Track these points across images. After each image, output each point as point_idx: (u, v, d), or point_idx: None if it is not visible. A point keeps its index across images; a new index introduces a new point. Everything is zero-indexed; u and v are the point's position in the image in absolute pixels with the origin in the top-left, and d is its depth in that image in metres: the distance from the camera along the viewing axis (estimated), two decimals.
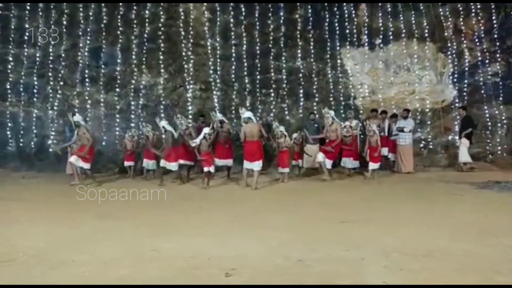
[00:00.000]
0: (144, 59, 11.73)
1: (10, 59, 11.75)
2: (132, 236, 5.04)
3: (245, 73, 11.75)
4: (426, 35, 11.80)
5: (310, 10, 11.90)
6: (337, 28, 11.95)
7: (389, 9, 11.92)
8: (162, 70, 11.74)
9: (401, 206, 6.62)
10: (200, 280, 3.59)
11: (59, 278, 3.69)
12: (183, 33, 11.74)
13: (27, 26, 11.81)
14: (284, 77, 11.79)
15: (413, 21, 11.80)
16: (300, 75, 11.80)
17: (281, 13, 11.89)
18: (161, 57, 11.72)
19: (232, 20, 11.83)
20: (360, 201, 7.15)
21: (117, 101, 11.65)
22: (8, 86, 11.67)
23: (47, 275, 3.78)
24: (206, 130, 8.67)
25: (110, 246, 4.64)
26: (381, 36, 11.89)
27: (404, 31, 11.85)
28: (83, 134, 9.09)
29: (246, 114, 8.81)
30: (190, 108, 11.61)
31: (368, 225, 5.41)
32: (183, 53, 11.71)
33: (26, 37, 11.77)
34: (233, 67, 11.75)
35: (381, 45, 11.92)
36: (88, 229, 5.40)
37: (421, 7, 11.81)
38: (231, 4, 11.80)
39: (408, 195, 7.58)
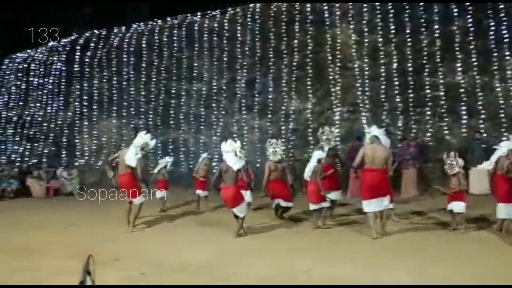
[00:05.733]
0: (293, 86, 12.29)
1: (183, 93, 13.73)
2: (283, 256, 5.23)
3: (396, 92, 11.20)
4: None
5: (470, 20, 10.76)
6: (505, 36, 10.45)
7: None
8: (310, 95, 12.08)
9: None
10: None
11: None
12: (330, 57, 11.92)
13: (195, 64, 13.68)
14: (441, 93, 10.81)
15: None
16: (461, 90, 10.65)
17: (436, 26, 11.05)
18: (309, 82, 12.09)
19: (380, 39, 11.51)
20: None
21: (269, 126, 12.41)
22: (181, 117, 13.60)
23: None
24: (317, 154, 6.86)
25: (265, 264, 4.90)
26: None
27: None
28: None
29: (372, 131, 6.39)
30: (337, 130, 11.58)
31: None
32: (330, 77, 11.86)
33: (194, 74, 13.64)
34: (383, 86, 11.35)
35: None
36: (244, 246, 5.83)
37: None
38: (380, 23, 11.53)
39: None
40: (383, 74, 11.37)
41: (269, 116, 12.47)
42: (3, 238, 6.54)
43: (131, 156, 6.80)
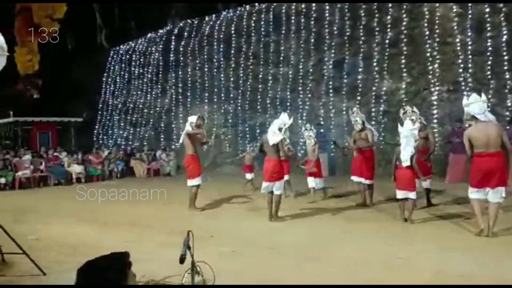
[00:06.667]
0: (385, 65, 11.66)
1: (269, 78, 13.85)
2: (377, 241, 5.08)
3: (505, 68, 10.02)
4: None
5: None
6: None
7: None
8: (404, 74, 11.37)
9: None
10: None
11: (310, 270, 4.08)
12: (427, 33, 11.04)
13: (282, 48, 13.67)
14: None
15: None
16: None
17: None
18: (403, 61, 11.37)
19: (487, 9, 10.34)
20: None
21: (359, 108, 11.92)
22: (267, 101, 13.77)
23: (301, 265, 4.23)
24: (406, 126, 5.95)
25: (358, 248, 4.80)
26: None
27: None
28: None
29: (471, 106, 5.14)
30: (435, 112, 10.77)
31: None
32: (428, 54, 11.00)
33: (281, 58, 13.65)
34: (489, 62, 10.22)
35: None
36: (334, 229, 5.78)
37: None
38: None
39: None
40: (490, 48, 10.23)
41: (358, 97, 12.03)
42: (116, 212, 7.33)
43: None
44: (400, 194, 5.84)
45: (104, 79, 18.99)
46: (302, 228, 5.88)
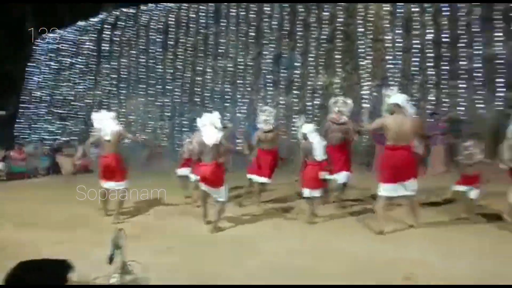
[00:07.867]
0: (321, 60, 11.97)
1: (209, 70, 13.65)
2: (313, 233, 5.19)
3: (429, 64, 10.74)
4: None
5: None
6: None
7: None
8: (338, 70, 11.77)
9: None
10: (377, 281, 3.50)
11: (249, 263, 4.06)
12: (361, 30, 11.50)
13: (221, 40, 13.52)
14: (479, 65, 10.24)
15: None
16: (501, 61, 10.03)
17: None
18: (338, 56, 11.75)
19: (416, 9, 10.98)
20: None
21: (296, 102, 12.21)
22: (206, 94, 13.58)
23: (239, 259, 4.20)
24: None
25: (292, 239, 4.88)
26: None
27: None
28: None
29: (392, 98, 5.13)
30: (366, 106, 11.26)
31: None
32: (361, 50, 11.47)
33: (220, 50, 13.50)
34: (415, 59, 10.89)
35: None
36: (273, 223, 5.75)
37: None
38: None
39: None
40: (419, 46, 10.88)
41: (295, 92, 12.26)
42: (41, 213, 6.76)
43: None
44: (307, 192, 5.53)
45: (28, 69, 17.53)
46: (242, 224, 5.72)
